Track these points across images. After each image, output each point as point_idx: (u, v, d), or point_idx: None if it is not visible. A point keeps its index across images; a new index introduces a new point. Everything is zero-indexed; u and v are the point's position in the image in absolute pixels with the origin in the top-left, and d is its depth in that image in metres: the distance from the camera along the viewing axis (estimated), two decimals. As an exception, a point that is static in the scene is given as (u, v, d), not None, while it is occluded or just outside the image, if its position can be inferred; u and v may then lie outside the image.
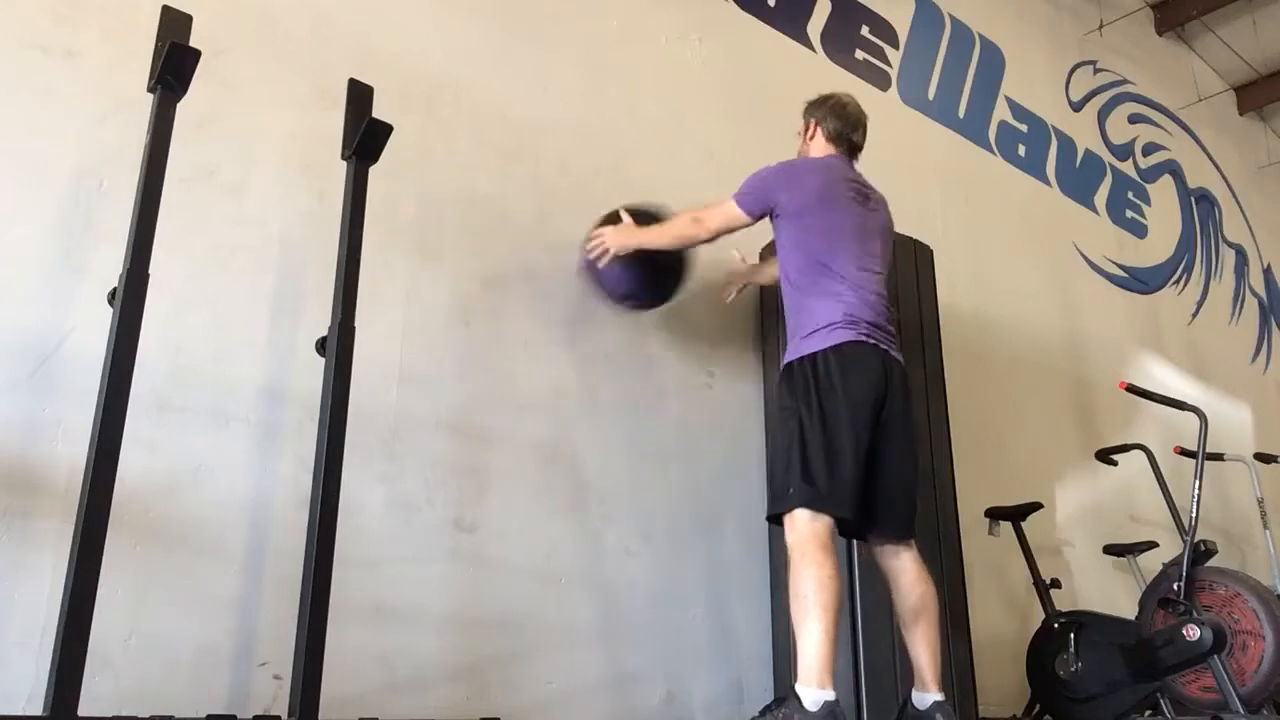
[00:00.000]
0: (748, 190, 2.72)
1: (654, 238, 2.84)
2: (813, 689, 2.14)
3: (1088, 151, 5.92)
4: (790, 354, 2.52)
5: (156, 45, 2.04)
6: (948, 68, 5.10)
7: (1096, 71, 6.27)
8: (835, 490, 2.31)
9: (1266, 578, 4.45)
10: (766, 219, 2.72)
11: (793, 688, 2.21)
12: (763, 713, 2.55)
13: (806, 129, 2.91)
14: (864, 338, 2.45)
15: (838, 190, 2.65)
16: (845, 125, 2.84)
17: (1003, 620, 3.95)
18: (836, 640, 2.20)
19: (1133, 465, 4.15)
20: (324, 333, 2.22)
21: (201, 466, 2.33)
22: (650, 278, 2.96)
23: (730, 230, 2.76)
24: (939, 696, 2.40)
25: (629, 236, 2.86)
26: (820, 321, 2.47)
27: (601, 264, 2.89)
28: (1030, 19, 5.86)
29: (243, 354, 2.47)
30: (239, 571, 2.32)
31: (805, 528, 2.29)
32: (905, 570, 2.47)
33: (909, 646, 2.47)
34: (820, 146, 2.84)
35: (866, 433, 2.38)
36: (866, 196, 2.72)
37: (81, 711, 1.63)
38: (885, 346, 2.49)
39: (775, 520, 2.43)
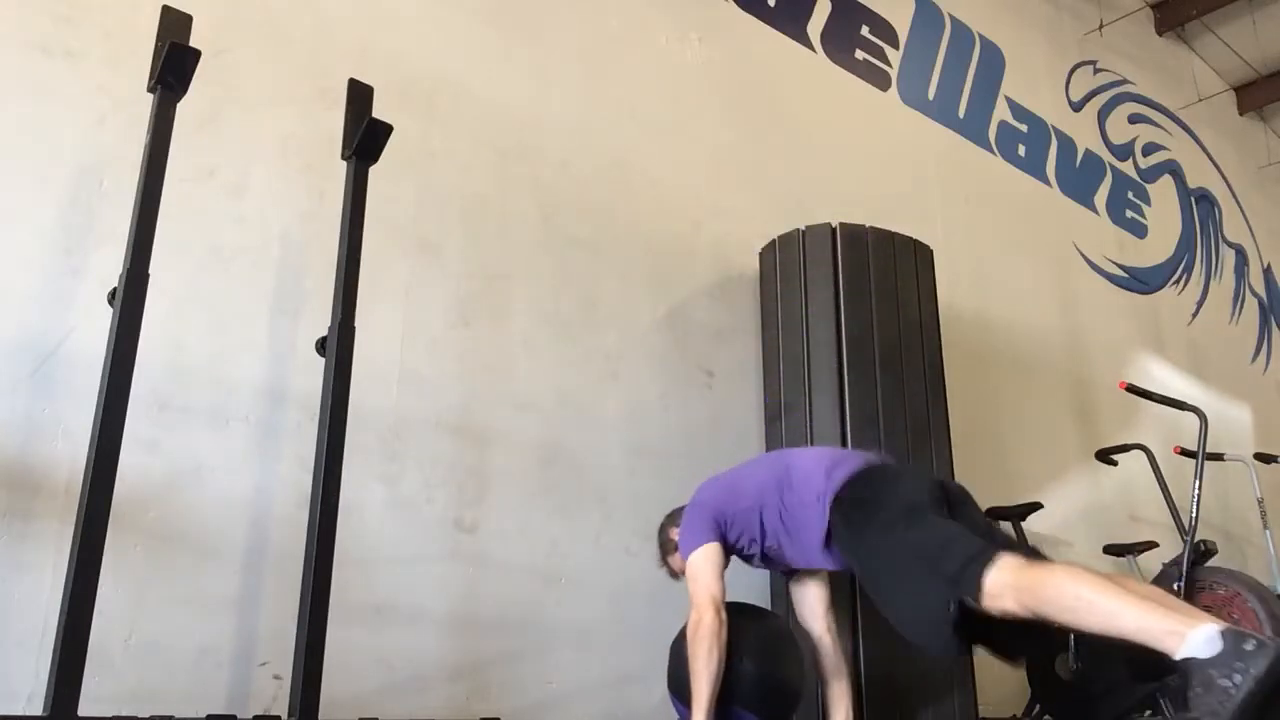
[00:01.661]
0: (693, 530, 2.40)
1: (699, 696, 2.23)
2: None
3: (1088, 151, 5.92)
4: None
5: (156, 45, 2.04)
6: (948, 68, 5.10)
7: (1096, 71, 6.27)
8: None
9: (1266, 578, 4.44)
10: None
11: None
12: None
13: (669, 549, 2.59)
14: None
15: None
16: None
17: (1003, 620, 3.95)
18: None
19: (1133, 465, 4.14)
20: (324, 333, 2.22)
21: (201, 466, 2.33)
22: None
23: (717, 571, 2.34)
24: None
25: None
26: None
27: None
28: (1030, 19, 5.85)
29: (243, 354, 2.47)
30: (239, 571, 2.32)
31: None
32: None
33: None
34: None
35: None
36: None
37: (81, 711, 1.63)
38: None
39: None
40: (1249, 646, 1.66)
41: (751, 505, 2.37)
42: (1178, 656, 1.74)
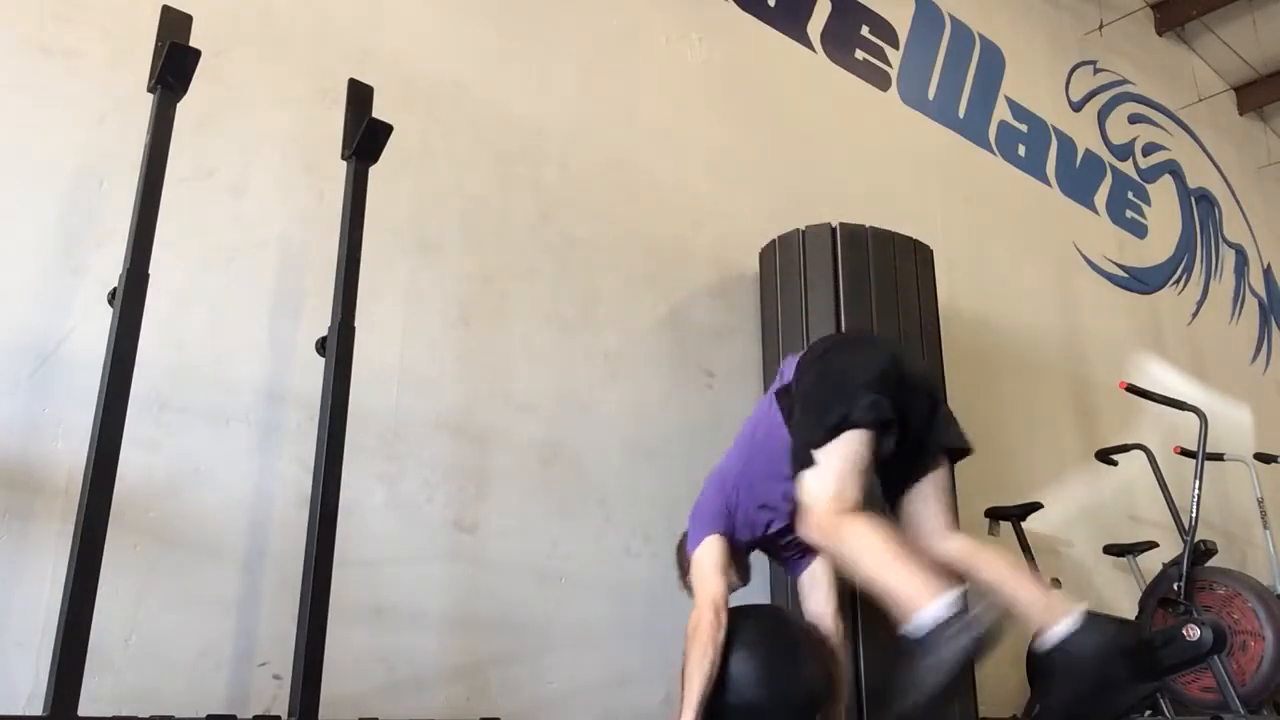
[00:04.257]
0: (695, 530, 2.42)
1: (690, 696, 2.21)
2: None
3: (1088, 151, 5.92)
4: None
5: (156, 45, 2.04)
6: (948, 68, 5.10)
7: (1096, 71, 6.27)
8: None
9: (1266, 578, 4.45)
10: None
11: None
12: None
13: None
14: None
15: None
16: None
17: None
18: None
19: (1133, 465, 4.15)
20: (324, 333, 2.22)
21: (201, 466, 2.33)
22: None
23: (717, 567, 2.33)
24: None
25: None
26: None
27: None
28: (1030, 19, 5.85)
29: (243, 354, 2.47)
30: (239, 571, 2.32)
31: None
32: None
33: None
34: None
35: None
36: None
37: (81, 711, 1.63)
38: None
39: None
40: (955, 626, 1.74)
41: (742, 468, 2.38)
42: (906, 628, 1.83)
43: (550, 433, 2.97)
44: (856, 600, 2.88)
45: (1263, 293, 7.26)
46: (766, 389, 3.38)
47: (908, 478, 2.25)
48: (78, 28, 2.43)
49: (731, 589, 2.38)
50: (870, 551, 1.94)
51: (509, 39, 3.32)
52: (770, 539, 2.44)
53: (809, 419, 2.15)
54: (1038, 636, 2.01)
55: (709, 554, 2.34)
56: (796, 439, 2.18)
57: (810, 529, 2.08)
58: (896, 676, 1.83)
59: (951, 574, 1.97)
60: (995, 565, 2.13)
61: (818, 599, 2.47)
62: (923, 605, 1.80)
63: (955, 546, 2.20)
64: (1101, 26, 6.28)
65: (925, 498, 2.24)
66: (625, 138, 3.53)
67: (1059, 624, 1.95)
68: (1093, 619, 1.99)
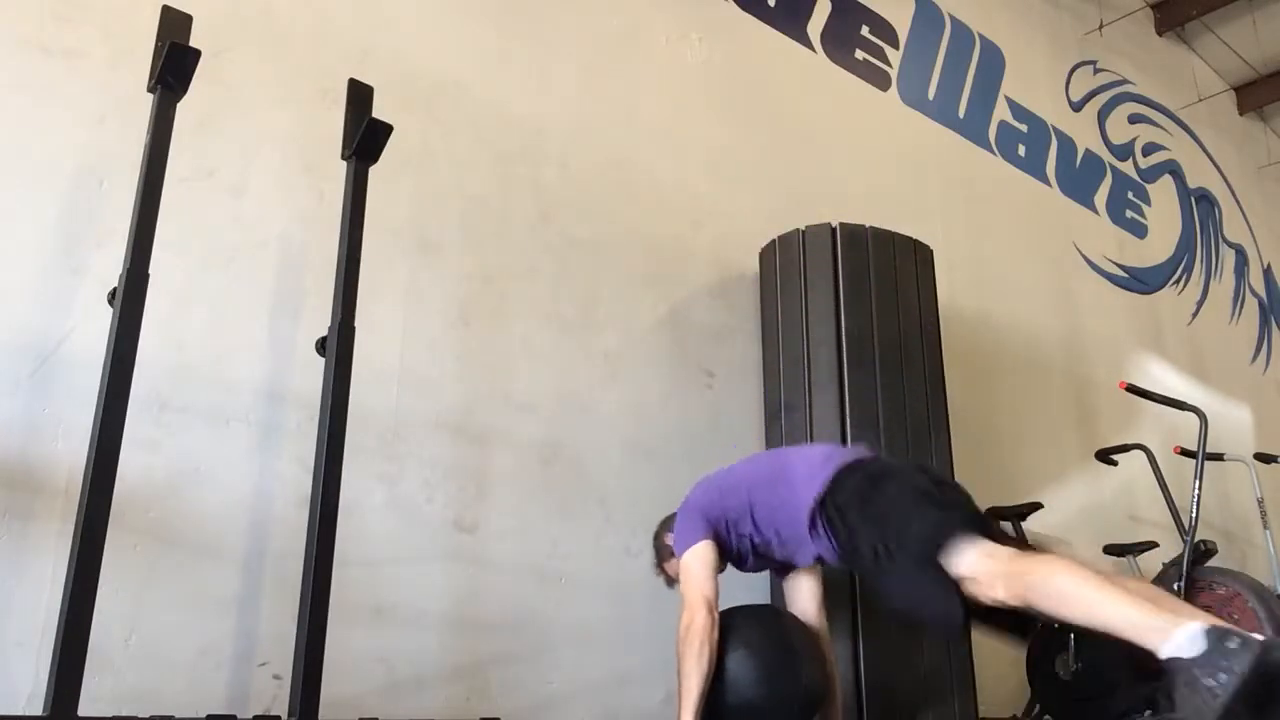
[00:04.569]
0: (686, 530, 2.40)
1: (688, 696, 2.23)
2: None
3: (1088, 151, 5.92)
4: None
5: (156, 45, 2.04)
6: (948, 68, 5.10)
7: (1096, 71, 6.27)
8: None
9: (1266, 578, 4.44)
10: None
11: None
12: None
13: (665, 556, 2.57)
14: None
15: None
16: None
17: (1003, 620, 3.95)
18: None
19: (1133, 465, 4.15)
20: (324, 333, 2.22)
21: (201, 466, 2.33)
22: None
23: (710, 570, 2.32)
24: None
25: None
26: None
27: None
28: (1030, 19, 5.85)
29: (243, 354, 2.47)
30: (239, 571, 2.32)
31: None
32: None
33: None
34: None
35: None
36: None
37: (81, 711, 1.63)
38: None
39: None
40: (1233, 645, 1.65)
41: (744, 502, 2.37)
42: (1162, 655, 1.73)
43: (550, 433, 2.97)
44: (856, 600, 2.88)
45: (1263, 293, 7.26)
46: (766, 389, 3.39)
47: None
48: (78, 28, 2.43)
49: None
50: (1080, 588, 1.86)
51: (509, 39, 3.32)
52: (753, 566, 2.47)
53: (915, 524, 2.08)
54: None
55: (700, 557, 2.34)
56: (918, 536, 2.06)
57: (995, 592, 1.96)
58: (1177, 705, 1.79)
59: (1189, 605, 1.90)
60: None
61: (803, 599, 2.49)
62: (1170, 635, 1.71)
63: None
64: (1101, 26, 6.28)
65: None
66: (625, 138, 3.53)
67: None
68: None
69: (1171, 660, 1.71)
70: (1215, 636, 1.67)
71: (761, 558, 2.44)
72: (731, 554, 2.42)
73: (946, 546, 2.01)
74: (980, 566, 1.98)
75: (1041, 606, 1.94)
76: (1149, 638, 1.75)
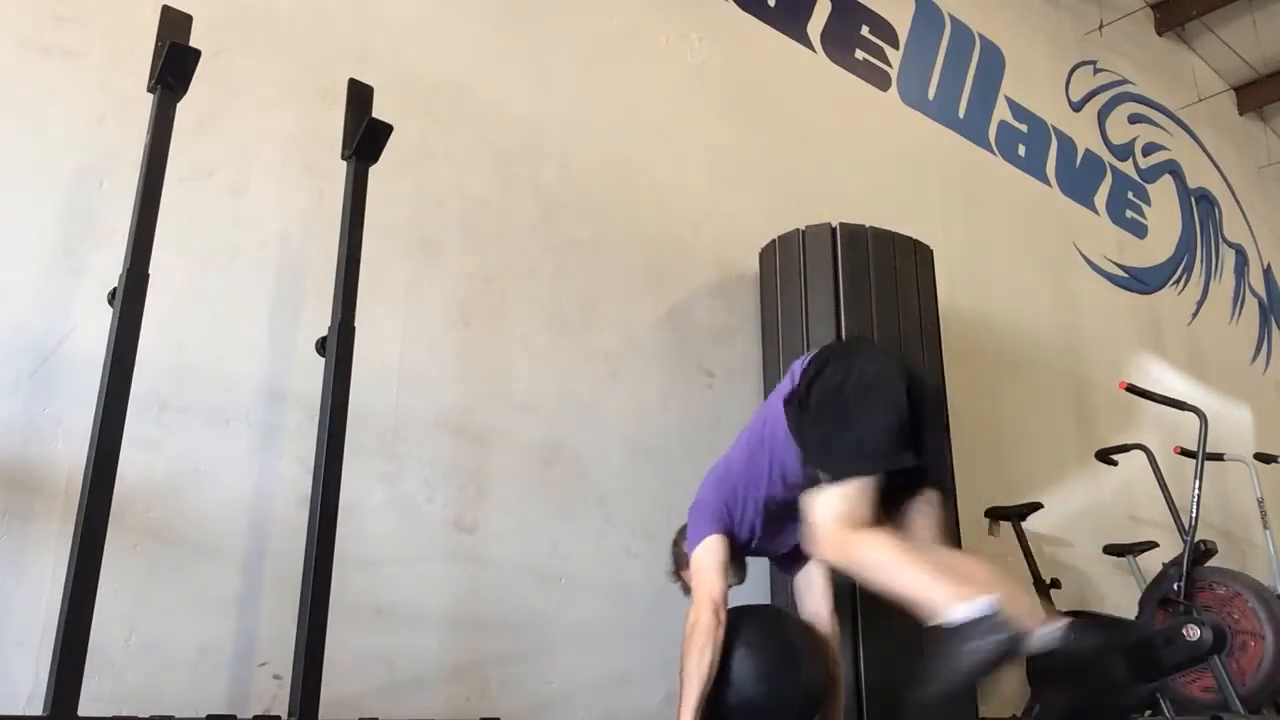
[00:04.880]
0: (696, 527, 2.40)
1: (688, 695, 2.23)
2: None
3: (1088, 151, 5.92)
4: None
5: (156, 45, 2.04)
6: (948, 68, 5.10)
7: (1096, 71, 6.27)
8: None
9: (1266, 578, 4.45)
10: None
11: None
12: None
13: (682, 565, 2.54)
14: None
15: None
16: None
17: (1003, 620, 3.95)
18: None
19: (1133, 465, 4.14)
20: (324, 333, 2.22)
21: (201, 466, 2.33)
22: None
23: (719, 566, 2.32)
24: None
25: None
26: None
27: None
28: (1030, 19, 5.85)
29: (243, 354, 2.47)
30: (239, 571, 2.32)
31: None
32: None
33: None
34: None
35: None
36: None
37: (81, 711, 1.63)
38: None
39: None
40: (1004, 621, 1.73)
41: (744, 466, 2.36)
42: (942, 620, 1.81)
43: (550, 433, 2.97)
44: (856, 600, 2.87)
45: (1263, 293, 7.26)
46: (766, 389, 3.39)
47: (906, 492, 2.22)
48: (78, 28, 2.43)
49: (728, 587, 2.38)
50: (888, 560, 1.94)
51: (509, 39, 3.32)
52: (766, 540, 2.44)
53: (824, 445, 2.12)
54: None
55: (710, 552, 2.33)
56: (811, 460, 2.14)
57: (821, 548, 2.07)
58: (925, 664, 1.82)
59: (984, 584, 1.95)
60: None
61: (814, 599, 2.48)
62: (956, 604, 1.79)
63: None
64: (1101, 26, 6.28)
65: (920, 513, 2.23)
66: (625, 138, 3.53)
67: (1049, 626, 1.94)
68: (1086, 622, 1.99)
69: (947, 624, 1.80)
70: (998, 612, 1.74)
71: (771, 528, 2.38)
72: (743, 537, 2.39)
73: (838, 480, 2.05)
74: (823, 522, 2.06)
75: (856, 575, 2.07)
76: (939, 606, 1.83)
